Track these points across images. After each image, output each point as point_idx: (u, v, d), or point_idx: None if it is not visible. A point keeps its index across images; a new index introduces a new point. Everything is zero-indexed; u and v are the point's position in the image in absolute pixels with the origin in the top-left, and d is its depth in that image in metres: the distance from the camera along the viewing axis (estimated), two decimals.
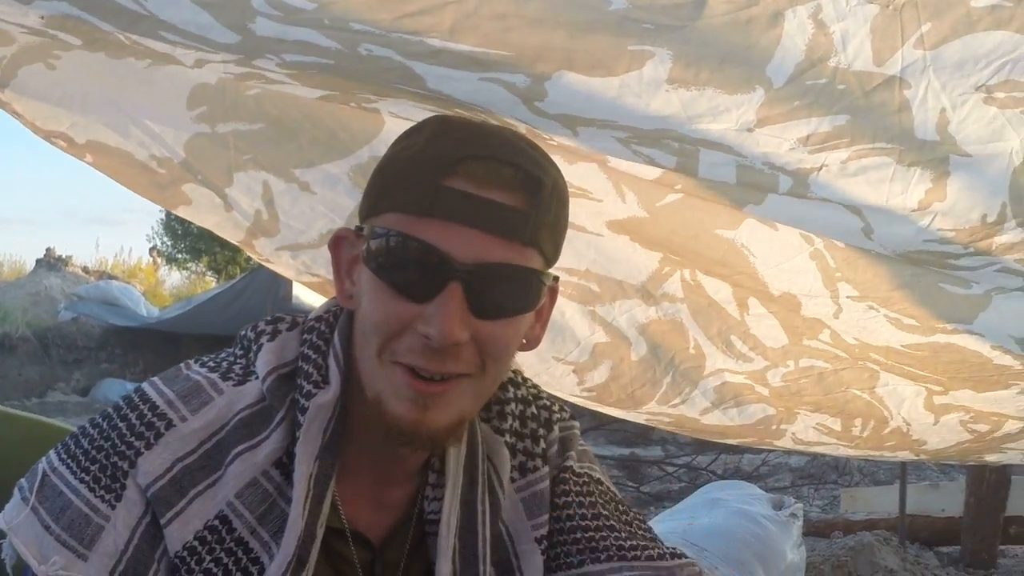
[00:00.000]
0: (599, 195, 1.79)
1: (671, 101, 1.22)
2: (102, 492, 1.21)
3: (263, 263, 1.93)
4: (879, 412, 2.25)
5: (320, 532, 1.25)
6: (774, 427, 2.28)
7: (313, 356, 1.30)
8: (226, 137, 1.69)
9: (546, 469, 1.45)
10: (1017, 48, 1.19)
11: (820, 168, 1.30)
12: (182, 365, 1.33)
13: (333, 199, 1.79)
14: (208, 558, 1.22)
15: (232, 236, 1.84)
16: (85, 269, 19.57)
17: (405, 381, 1.20)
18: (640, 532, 1.47)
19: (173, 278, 24.72)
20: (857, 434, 2.33)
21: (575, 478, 1.46)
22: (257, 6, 1.13)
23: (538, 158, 1.22)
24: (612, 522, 1.44)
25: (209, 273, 24.63)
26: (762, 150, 1.28)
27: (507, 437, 1.42)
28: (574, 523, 1.43)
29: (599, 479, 1.49)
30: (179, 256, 25.58)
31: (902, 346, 2.00)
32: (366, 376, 1.25)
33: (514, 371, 1.47)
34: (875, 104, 1.22)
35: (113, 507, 1.21)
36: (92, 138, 1.66)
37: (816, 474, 9.48)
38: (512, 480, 1.42)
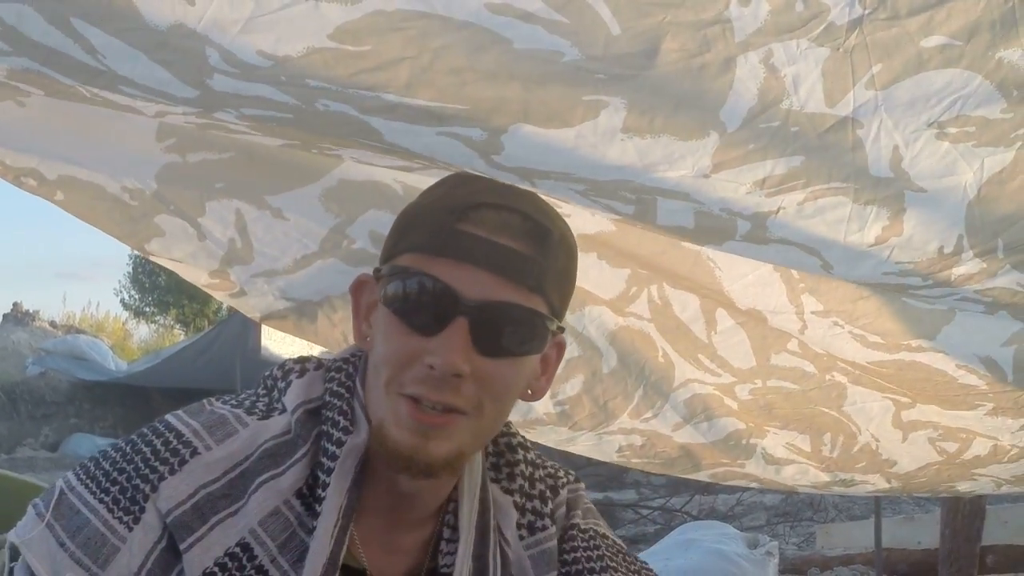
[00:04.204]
0: (567, 209, 1.80)
1: (627, 150, 1.23)
2: (120, 513, 1.22)
3: (232, 299, 1.92)
4: (847, 427, 2.27)
5: (340, 563, 1.26)
6: (744, 442, 2.29)
7: (343, 396, 1.33)
8: (197, 167, 1.70)
9: (554, 528, 1.47)
10: (967, 84, 1.21)
11: (778, 211, 1.32)
12: (204, 402, 1.36)
13: (305, 224, 1.81)
14: None
15: (206, 266, 1.85)
16: (53, 323, 19.44)
17: (407, 411, 1.24)
18: None
19: (141, 331, 24.60)
20: (827, 454, 2.34)
21: (581, 534, 1.49)
22: (214, 63, 1.14)
23: (547, 210, 1.29)
24: (620, 573, 1.48)
25: (177, 326, 24.48)
26: (719, 195, 1.30)
27: (516, 497, 1.45)
28: None
29: (604, 534, 1.53)
30: (147, 309, 25.42)
31: (868, 363, 2.02)
32: (373, 406, 1.29)
33: (523, 436, 1.52)
34: (829, 144, 1.23)
35: (131, 529, 1.22)
36: (63, 173, 1.67)
37: (791, 512, 9.48)
38: (521, 538, 1.44)
